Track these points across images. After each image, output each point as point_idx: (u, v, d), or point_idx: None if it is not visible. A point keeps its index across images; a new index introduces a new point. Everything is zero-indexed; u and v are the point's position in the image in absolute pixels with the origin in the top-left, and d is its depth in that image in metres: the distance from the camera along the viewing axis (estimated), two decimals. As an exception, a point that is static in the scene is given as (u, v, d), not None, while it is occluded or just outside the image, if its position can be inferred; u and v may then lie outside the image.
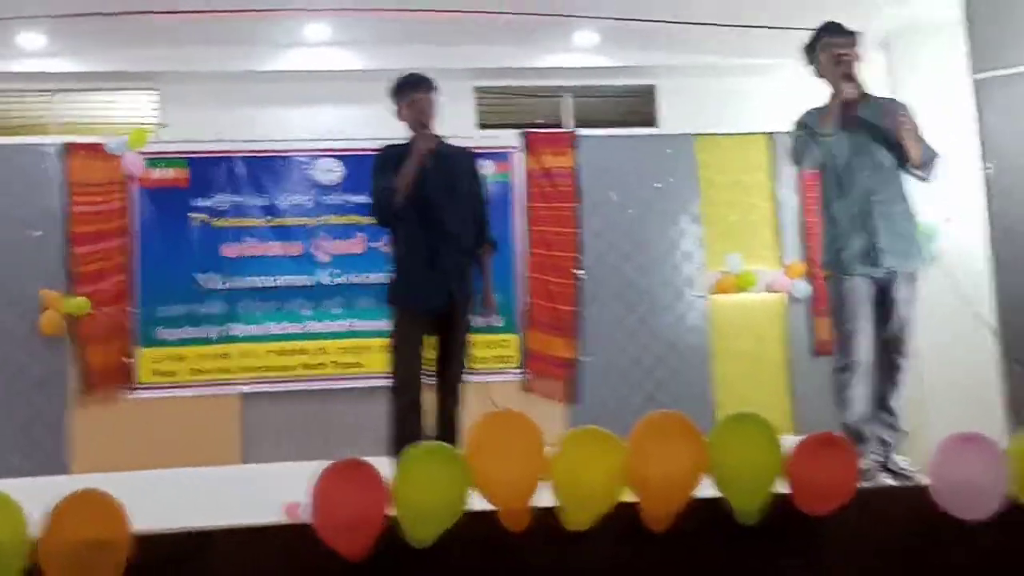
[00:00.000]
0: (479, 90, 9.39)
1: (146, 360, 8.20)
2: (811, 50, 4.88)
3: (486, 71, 9.17)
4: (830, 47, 4.77)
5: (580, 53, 9.14)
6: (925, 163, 4.75)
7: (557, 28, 8.60)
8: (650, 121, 9.61)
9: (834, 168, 4.77)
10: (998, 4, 7.03)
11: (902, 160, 4.75)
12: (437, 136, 5.10)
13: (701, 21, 8.30)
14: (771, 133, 9.05)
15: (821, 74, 4.85)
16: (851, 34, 4.82)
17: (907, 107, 4.90)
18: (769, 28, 8.23)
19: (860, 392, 4.68)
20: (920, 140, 4.73)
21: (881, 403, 4.77)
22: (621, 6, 8.12)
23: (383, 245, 8.09)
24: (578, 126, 9.29)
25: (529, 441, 3.31)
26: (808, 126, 4.78)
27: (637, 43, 8.91)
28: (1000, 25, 7.02)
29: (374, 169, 5.21)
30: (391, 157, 5.09)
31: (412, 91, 5.13)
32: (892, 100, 5.01)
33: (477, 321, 5.33)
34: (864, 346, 4.67)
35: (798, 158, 4.86)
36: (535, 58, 9.13)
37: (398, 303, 5.14)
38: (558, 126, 9.43)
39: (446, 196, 5.06)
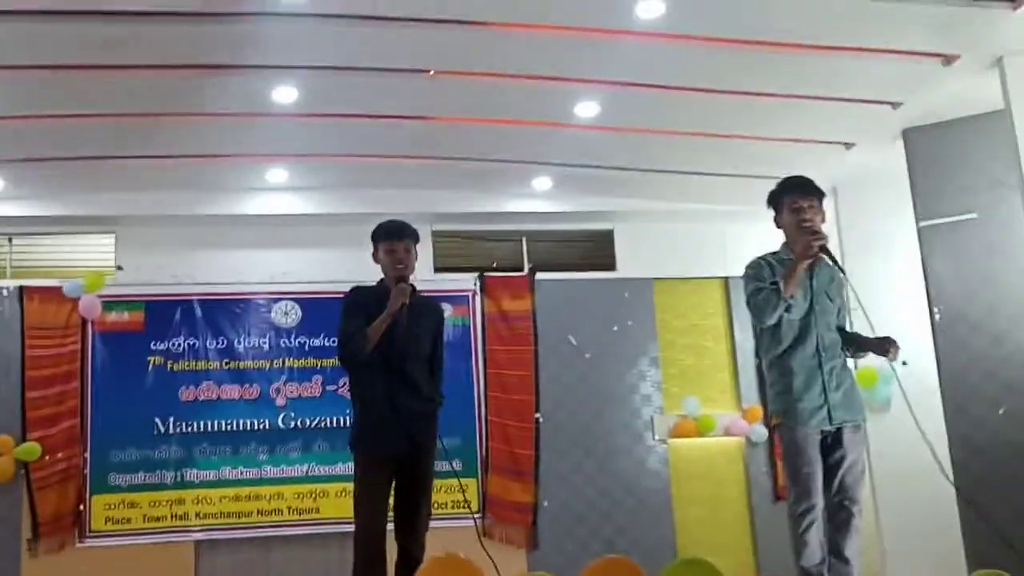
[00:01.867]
0: (436, 234, 9.79)
1: (99, 506, 8.45)
2: (774, 201, 5.09)
3: (443, 215, 9.61)
4: (797, 209, 4.97)
5: (538, 199, 9.65)
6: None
7: (515, 173, 9.11)
8: (608, 264, 10.08)
9: (791, 320, 4.96)
10: (938, 156, 7.73)
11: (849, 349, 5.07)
12: (413, 287, 5.20)
13: (657, 168, 8.88)
14: (727, 278, 9.71)
15: (781, 226, 5.08)
16: (816, 192, 5.03)
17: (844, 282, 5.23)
18: (722, 176, 8.86)
19: (817, 536, 4.86)
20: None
21: (836, 552, 4.91)
22: (578, 153, 8.60)
23: (340, 388, 8.55)
24: (536, 269, 9.79)
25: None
26: (775, 283, 4.91)
27: (594, 188, 9.46)
28: (941, 175, 7.72)
29: (344, 311, 5.34)
30: (361, 300, 5.24)
31: (393, 238, 5.25)
32: (839, 270, 5.19)
33: None
34: (820, 490, 4.87)
35: (762, 315, 4.99)
36: (493, 203, 9.60)
37: (362, 447, 5.19)
38: (516, 269, 9.89)
39: (412, 347, 5.18)
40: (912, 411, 5.03)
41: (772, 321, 4.95)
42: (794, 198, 5.02)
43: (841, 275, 5.21)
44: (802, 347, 4.98)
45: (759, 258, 5.13)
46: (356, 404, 5.32)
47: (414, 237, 5.32)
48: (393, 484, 5.21)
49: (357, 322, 5.15)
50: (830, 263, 5.07)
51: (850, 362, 5.21)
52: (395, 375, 5.16)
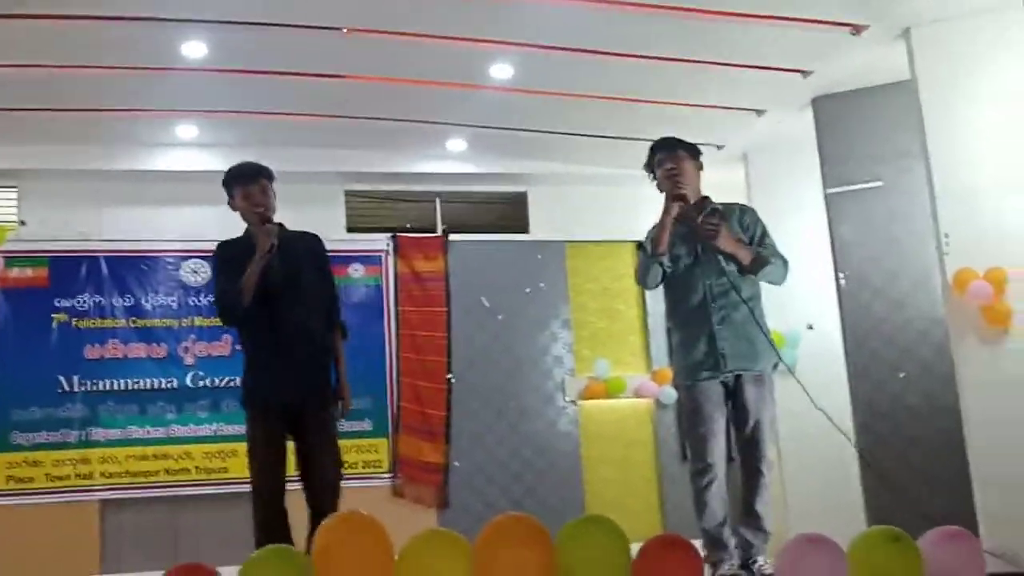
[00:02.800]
0: (349, 193, 9.77)
1: (0, 465, 8.28)
2: (648, 167, 5.23)
3: (357, 175, 9.57)
4: (662, 164, 5.12)
5: (452, 160, 9.65)
6: (757, 267, 4.98)
7: (429, 134, 9.08)
8: (522, 227, 10.14)
9: (674, 276, 5.05)
10: (846, 124, 7.89)
11: (738, 267, 5.01)
12: (277, 226, 5.01)
13: (571, 132, 8.93)
14: (639, 241, 9.75)
15: (660, 189, 5.17)
16: (681, 149, 5.13)
17: (754, 212, 5.26)
18: (635, 140, 8.89)
19: (717, 496, 4.92)
20: (740, 245, 5.00)
21: (746, 506, 4.97)
22: (493, 115, 8.61)
23: (249, 346, 8.52)
24: (450, 231, 9.80)
25: (376, 544, 3.43)
26: (640, 244, 5.09)
27: (509, 151, 9.48)
28: (849, 143, 7.88)
29: (214, 269, 5.25)
30: (231, 254, 5.08)
31: (247, 182, 5.07)
32: (742, 206, 5.32)
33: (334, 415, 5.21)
34: (718, 450, 4.95)
35: (641, 279, 5.13)
36: (407, 163, 9.57)
37: (251, 402, 5.11)
38: (430, 230, 9.89)
39: (291, 288, 5.00)
40: (796, 377, 5.15)
41: (652, 282, 5.08)
42: (659, 158, 5.17)
43: (743, 210, 5.27)
44: (688, 300, 5.06)
45: (653, 226, 5.17)
46: (245, 359, 5.20)
47: (268, 176, 5.13)
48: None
49: (229, 278, 4.97)
50: (723, 209, 5.12)
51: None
52: (277, 322, 4.98)
